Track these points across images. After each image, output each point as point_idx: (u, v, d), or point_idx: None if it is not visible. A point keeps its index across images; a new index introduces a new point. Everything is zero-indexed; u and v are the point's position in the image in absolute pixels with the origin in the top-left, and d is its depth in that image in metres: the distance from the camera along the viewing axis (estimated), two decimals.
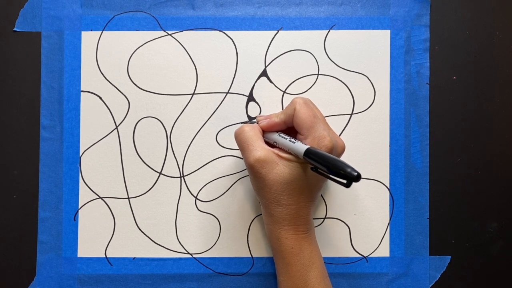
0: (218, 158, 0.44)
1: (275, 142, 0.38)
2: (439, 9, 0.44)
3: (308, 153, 0.34)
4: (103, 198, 0.44)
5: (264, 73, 0.44)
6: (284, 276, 0.37)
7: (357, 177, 0.30)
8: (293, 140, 0.36)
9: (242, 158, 0.44)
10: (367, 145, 0.43)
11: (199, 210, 0.44)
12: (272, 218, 0.37)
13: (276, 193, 0.36)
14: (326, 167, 0.31)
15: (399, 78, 0.44)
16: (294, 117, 0.37)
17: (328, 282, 0.38)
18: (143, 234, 0.43)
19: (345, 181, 0.30)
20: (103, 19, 0.44)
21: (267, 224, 0.38)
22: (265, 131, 0.39)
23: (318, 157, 0.33)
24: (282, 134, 0.38)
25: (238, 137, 0.38)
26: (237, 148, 0.44)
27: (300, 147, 0.34)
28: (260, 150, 0.36)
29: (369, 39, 0.44)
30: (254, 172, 0.36)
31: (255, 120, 0.42)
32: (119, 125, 0.44)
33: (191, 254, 0.43)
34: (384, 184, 0.43)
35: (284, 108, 0.44)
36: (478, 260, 0.43)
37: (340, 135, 0.44)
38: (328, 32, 0.44)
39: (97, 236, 0.43)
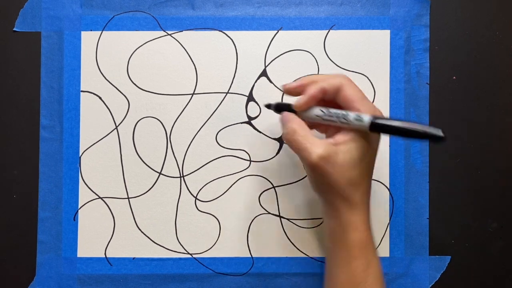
0: (218, 158, 0.44)
1: (317, 116, 0.35)
2: (439, 9, 0.44)
3: (377, 123, 0.32)
4: (103, 198, 0.44)
5: (264, 73, 0.44)
6: (344, 268, 0.35)
7: (443, 135, 0.29)
8: (341, 116, 0.34)
9: (241, 158, 0.44)
10: None
11: (199, 210, 0.44)
12: (345, 204, 0.35)
13: (346, 180, 0.34)
14: (407, 132, 0.30)
15: (399, 78, 0.44)
16: (344, 91, 0.35)
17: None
18: (143, 234, 0.43)
19: (433, 142, 0.30)
20: (103, 19, 0.44)
21: (334, 218, 0.36)
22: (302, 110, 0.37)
23: (393, 126, 0.31)
24: (324, 113, 0.35)
25: (291, 138, 0.35)
26: (237, 148, 0.44)
27: (362, 122, 0.33)
28: (319, 146, 0.34)
29: (369, 39, 0.44)
30: (319, 170, 0.34)
31: (272, 103, 0.39)
32: (119, 125, 0.44)
33: (191, 254, 0.43)
34: (384, 184, 0.43)
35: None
36: (478, 260, 0.43)
37: None
38: (328, 32, 0.44)
39: (97, 236, 0.43)
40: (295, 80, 0.38)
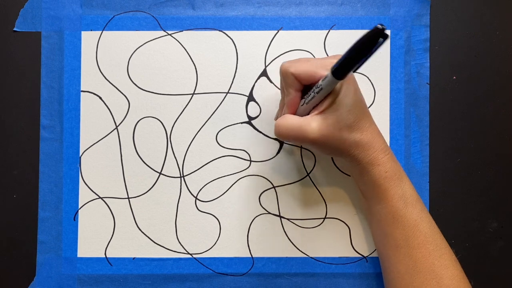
0: (218, 158, 0.44)
1: (308, 105, 0.37)
2: (439, 9, 0.44)
3: (336, 69, 0.32)
4: (103, 198, 0.44)
5: (264, 73, 0.44)
6: (382, 203, 0.37)
7: (382, 26, 0.28)
8: (315, 88, 0.35)
9: (241, 158, 0.44)
10: None
11: (199, 210, 0.44)
12: (357, 149, 0.37)
13: (346, 130, 0.36)
14: (357, 53, 0.30)
15: (399, 78, 0.44)
16: (298, 78, 0.36)
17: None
18: (143, 234, 0.43)
19: (380, 40, 0.29)
20: (103, 19, 0.44)
21: (356, 166, 0.38)
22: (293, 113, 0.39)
23: (345, 60, 0.31)
24: (305, 99, 0.37)
25: (282, 132, 0.37)
26: (237, 148, 0.44)
27: (328, 79, 0.34)
28: (309, 123, 0.36)
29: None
30: (320, 142, 0.36)
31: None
32: (119, 125, 0.44)
33: (191, 254, 0.43)
34: None
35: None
36: (478, 260, 0.43)
37: None
38: (328, 32, 0.44)
39: (97, 236, 0.43)
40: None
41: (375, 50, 0.30)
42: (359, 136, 0.36)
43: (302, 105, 0.38)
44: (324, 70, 0.35)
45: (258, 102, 0.44)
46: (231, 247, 0.43)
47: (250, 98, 0.44)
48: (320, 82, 0.35)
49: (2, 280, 0.43)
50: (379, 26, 0.28)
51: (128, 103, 0.44)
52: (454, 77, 0.44)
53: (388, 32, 0.28)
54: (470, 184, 0.44)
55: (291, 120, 0.37)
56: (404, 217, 0.37)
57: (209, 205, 0.44)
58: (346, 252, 0.43)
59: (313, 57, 0.44)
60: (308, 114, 0.38)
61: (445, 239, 0.38)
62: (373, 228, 0.41)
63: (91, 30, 0.44)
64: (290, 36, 0.44)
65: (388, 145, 0.43)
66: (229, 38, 0.44)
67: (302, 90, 0.38)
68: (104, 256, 0.43)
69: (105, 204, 0.44)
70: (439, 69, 0.44)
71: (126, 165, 0.44)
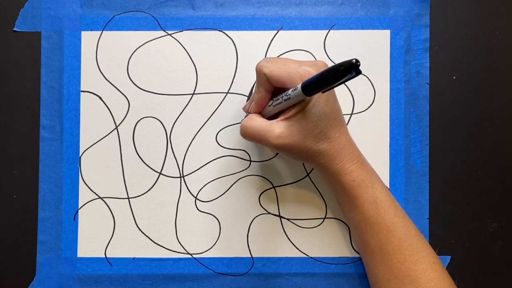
0: (218, 158, 0.44)
1: (274, 108, 0.37)
2: (439, 9, 0.44)
3: (306, 86, 0.33)
4: (103, 198, 0.44)
5: None
6: (354, 211, 0.38)
7: (356, 62, 0.29)
8: (284, 95, 0.36)
9: (241, 158, 0.44)
10: (367, 145, 0.43)
11: (199, 210, 0.44)
12: (322, 158, 0.37)
13: (311, 141, 0.36)
14: (328, 79, 0.31)
15: (399, 78, 0.44)
16: (271, 80, 0.36)
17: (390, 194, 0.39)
18: (143, 234, 0.43)
19: (353, 74, 0.30)
20: (103, 19, 0.44)
21: (324, 173, 0.38)
22: (260, 112, 0.39)
23: (316, 81, 0.32)
24: (273, 102, 0.37)
25: (247, 133, 0.38)
26: (237, 148, 0.44)
27: (297, 92, 0.34)
28: (273, 128, 0.36)
29: (369, 39, 0.44)
30: (283, 147, 0.36)
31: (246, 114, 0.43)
32: (119, 125, 0.44)
33: (191, 254, 0.43)
34: None
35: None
36: (478, 260, 0.43)
37: None
38: (328, 32, 0.44)
39: (97, 236, 0.43)
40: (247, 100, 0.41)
41: (345, 80, 0.31)
42: (325, 146, 0.36)
43: (269, 105, 0.38)
44: (297, 80, 0.35)
45: None
46: (231, 247, 0.43)
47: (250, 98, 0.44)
48: (289, 92, 0.35)
49: (2, 280, 0.43)
50: (354, 60, 0.30)
51: (128, 103, 0.44)
52: (454, 77, 0.44)
53: (361, 68, 0.30)
54: (470, 184, 0.44)
55: (257, 122, 0.37)
56: (376, 224, 0.37)
57: (209, 205, 0.44)
58: (346, 252, 0.43)
59: (313, 57, 0.44)
60: (273, 115, 0.38)
61: (424, 240, 0.38)
62: (351, 233, 0.42)
63: (91, 30, 0.44)
64: (290, 36, 0.44)
65: (388, 146, 0.43)
66: (229, 38, 0.44)
67: (273, 91, 0.38)
68: (104, 256, 0.43)
69: (105, 204, 0.44)
70: (439, 69, 0.44)
71: (126, 165, 0.44)
